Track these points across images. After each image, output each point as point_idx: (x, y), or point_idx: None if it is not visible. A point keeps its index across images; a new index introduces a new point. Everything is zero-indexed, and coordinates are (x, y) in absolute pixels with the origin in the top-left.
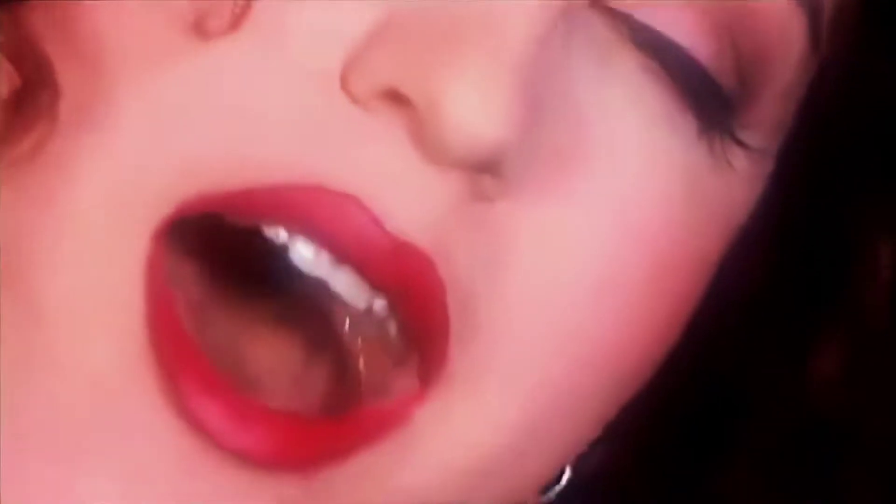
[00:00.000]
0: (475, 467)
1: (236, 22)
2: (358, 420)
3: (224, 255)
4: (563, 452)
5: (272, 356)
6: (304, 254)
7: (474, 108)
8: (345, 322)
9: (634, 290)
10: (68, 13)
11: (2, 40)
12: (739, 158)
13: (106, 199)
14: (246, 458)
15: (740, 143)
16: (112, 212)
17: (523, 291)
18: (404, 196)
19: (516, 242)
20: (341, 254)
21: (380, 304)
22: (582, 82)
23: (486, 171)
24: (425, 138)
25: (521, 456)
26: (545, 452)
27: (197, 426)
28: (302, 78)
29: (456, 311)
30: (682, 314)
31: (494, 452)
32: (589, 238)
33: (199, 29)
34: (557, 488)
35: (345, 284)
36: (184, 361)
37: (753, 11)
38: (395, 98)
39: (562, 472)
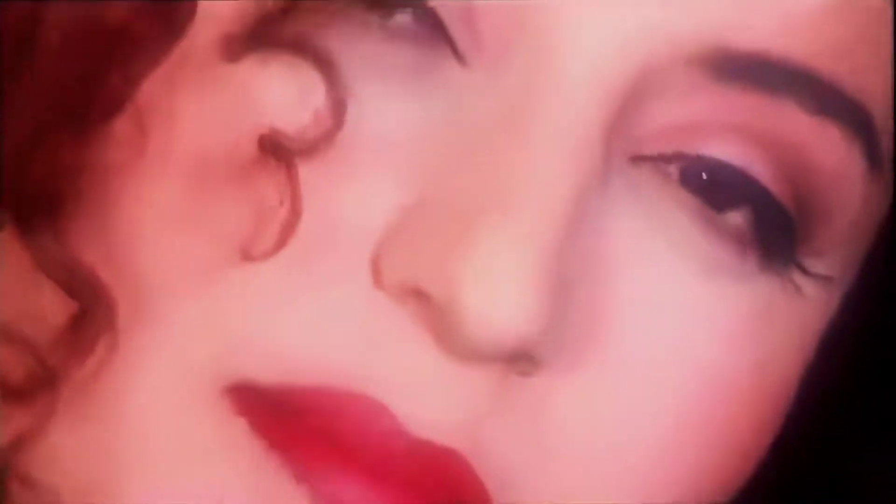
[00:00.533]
0: None
1: (280, 244)
2: None
3: None
4: None
5: None
6: None
7: (496, 304)
8: None
9: (693, 442)
10: (109, 229)
11: (50, 267)
12: (811, 287)
13: (171, 387)
14: None
15: (806, 272)
16: (179, 393)
17: (571, 462)
18: (429, 393)
19: (557, 414)
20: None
21: None
22: (622, 236)
23: (514, 361)
24: (447, 337)
25: None
26: None
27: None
28: (338, 273)
29: (494, 488)
30: (762, 439)
31: None
32: (634, 399)
33: (244, 253)
34: None
35: None
36: (311, 445)
37: (803, 140)
38: (418, 292)
39: None
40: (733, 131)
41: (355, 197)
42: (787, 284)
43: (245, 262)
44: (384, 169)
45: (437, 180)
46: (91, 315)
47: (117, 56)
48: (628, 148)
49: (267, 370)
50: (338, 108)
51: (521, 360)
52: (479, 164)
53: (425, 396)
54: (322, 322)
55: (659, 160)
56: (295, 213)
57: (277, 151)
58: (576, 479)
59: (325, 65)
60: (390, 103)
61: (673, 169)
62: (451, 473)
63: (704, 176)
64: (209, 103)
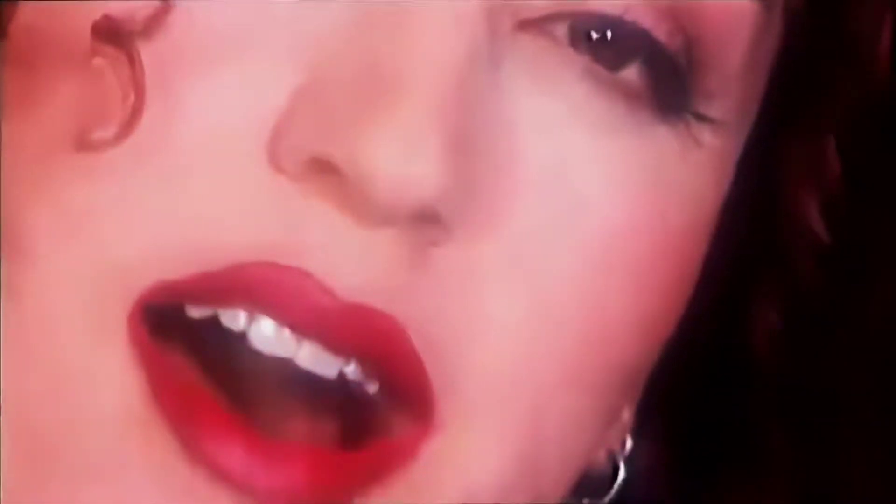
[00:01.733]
0: (485, 499)
1: (125, 132)
2: (374, 452)
3: (189, 345)
4: (572, 466)
5: None
6: (266, 334)
7: (398, 163)
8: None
9: (611, 298)
10: None
11: None
12: (707, 134)
13: (73, 299)
14: (273, 498)
15: (702, 118)
16: (81, 310)
17: (490, 325)
18: (348, 262)
19: (472, 279)
20: (301, 328)
21: (350, 369)
22: (518, 102)
23: (423, 221)
24: (355, 200)
25: (530, 478)
26: (554, 469)
27: (216, 470)
28: (230, 162)
29: (428, 359)
30: (675, 300)
31: (500, 484)
32: (546, 260)
33: (82, 144)
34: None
35: (310, 358)
36: (195, 406)
37: None
38: (323, 166)
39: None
40: None
41: (242, 83)
42: (683, 135)
43: (81, 150)
44: (272, 54)
45: (327, 62)
46: None
47: None
48: (512, 15)
49: (185, 264)
50: None
51: (428, 221)
52: (371, 42)
53: (345, 266)
54: (225, 211)
55: (545, 21)
56: (139, 100)
57: (113, 37)
58: (494, 340)
59: None
60: None
61: (560, 30)
62: (385, 334)
63: (594, 35)
64: None
